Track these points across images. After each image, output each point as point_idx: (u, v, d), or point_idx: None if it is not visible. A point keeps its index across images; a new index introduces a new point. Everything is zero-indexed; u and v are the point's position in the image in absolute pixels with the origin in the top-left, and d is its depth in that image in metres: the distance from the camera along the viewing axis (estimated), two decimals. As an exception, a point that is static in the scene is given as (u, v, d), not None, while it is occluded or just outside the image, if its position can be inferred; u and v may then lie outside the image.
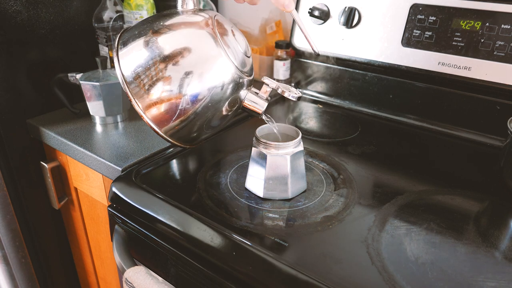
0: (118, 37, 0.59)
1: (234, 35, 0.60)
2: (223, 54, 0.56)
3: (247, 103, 0.61)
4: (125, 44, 0.58)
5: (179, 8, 0.60)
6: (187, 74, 0.55)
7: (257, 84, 0.61)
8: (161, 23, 0.57)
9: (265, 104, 0.61)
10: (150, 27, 0.57)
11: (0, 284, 0.95)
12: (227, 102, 0.59)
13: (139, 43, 0.56)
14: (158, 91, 0.55)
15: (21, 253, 0.92)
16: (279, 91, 0.59)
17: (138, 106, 0.57)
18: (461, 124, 0.81)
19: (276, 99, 1.00)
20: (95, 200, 0.84)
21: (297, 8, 0.97)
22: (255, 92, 0.62)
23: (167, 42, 0.56)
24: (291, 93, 0.59)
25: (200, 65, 0.56)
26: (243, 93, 0.60)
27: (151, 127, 0.58)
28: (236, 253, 0.50)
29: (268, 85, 0.60)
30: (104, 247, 0.90)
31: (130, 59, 0.56)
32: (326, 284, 0.44)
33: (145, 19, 0.60)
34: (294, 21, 0.99)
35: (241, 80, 0.59)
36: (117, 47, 0.58)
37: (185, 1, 0.60)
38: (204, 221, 0.55)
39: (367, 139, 0.81)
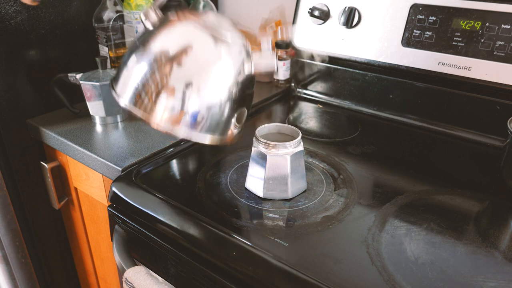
0: (110, 83, 0.59)
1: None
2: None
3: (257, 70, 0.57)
4: (116, 80, 0.57)
5: (146, 23, 0.56)
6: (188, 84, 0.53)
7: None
8: (139, 42, 0.55)
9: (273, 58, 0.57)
10: (132, 50, 0.55)
11: (0, 284, 0.95)
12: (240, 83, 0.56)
13: (128, 68, 0.55)
14: (162, 102, 0.53)
15: (21, 253, 0.92)
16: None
17: (154, 122, 0.54)
18: (461, 124, 0.81)
19: (277, 99, 1.00)
20: (95, 200, 0.84)
21: (297, 8, 0.97)
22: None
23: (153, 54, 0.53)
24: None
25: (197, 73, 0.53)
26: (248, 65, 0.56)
27: (172, 135, 0.56)
28: (236, 253, 0.50)
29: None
30: (104, 247, 0.90)
31: (126, 86, 0.55)
32: (326, 284, 0.44)
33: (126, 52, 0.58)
34: (294, 21, 0.99)
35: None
36: (113, 87, 0.57)
37: (148, 15, 0.56)
38: (204, 221, 0.55)
39: (367, 139, 0.81)
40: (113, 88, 0.58)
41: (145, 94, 0.54)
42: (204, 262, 0.52)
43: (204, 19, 0.56)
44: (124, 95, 0.56)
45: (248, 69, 0.56)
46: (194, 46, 0.53)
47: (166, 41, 0.54)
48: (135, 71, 0.55)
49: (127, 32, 0.92)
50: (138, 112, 0.55)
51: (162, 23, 0.56)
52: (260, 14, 1.14)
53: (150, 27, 0.56)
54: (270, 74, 0.59)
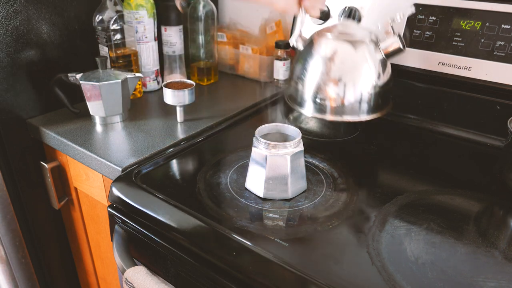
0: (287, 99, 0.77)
1: None
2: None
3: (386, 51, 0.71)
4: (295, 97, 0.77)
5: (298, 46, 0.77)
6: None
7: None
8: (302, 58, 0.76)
9: (397, 39, 0.69)
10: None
11: (0, 284, 0.95)
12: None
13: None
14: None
15: (21, 253, 0.92)
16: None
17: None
18: (461, 124, 0.81)
19: (277, 99, 1.00)
20: (95, 200, 0.84)
21: (297, 8, 0.97)
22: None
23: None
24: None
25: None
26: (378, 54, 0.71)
27: None
28: (236, 253, 0.50)
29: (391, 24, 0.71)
30: (104, 247, 0.90)
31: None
32: (326, 284, 0.44)
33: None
34: (294, 21, 0.99)
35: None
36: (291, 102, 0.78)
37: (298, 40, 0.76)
38: (204, 221, 0.55)
39: (367, 139, 0.81)
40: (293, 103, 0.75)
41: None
42: (204, 262, 0.52)
43: (336, 30, 0.74)
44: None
45: (379, 54, 0.71)
46: (339, 51, 0.72)
47: (321, 54, 0.73)
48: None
49: (127, 32, 0.92)
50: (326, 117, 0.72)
51: (310, 44, 0.75)
52: (260, 14, 1.14)
53: (301, 48, 0.76)
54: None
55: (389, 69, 0.75)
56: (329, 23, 0.92)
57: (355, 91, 0.70)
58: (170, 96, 0.81)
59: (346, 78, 0.70)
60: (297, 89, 0.75)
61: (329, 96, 0.71)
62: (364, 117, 0.73)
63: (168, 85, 0.82)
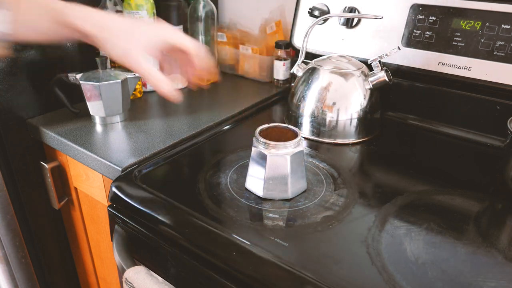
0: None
1: None
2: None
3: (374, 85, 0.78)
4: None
5: (297, 73, 0.85)
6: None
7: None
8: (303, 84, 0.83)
9: (384, 73, 0.76)
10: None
11: (0, 284, 0.95)
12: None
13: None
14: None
15: (21, 253, 0.92)
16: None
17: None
18: (461, 124, 0.81)
19: (277, 99, 1.00)
20: (95, 200, 0.84)
21: (297, 8, 0.97)
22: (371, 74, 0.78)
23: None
24: None
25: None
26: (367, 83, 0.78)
27: None
28: (236, 253, 0.50)
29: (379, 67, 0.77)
30: (104, 247, 0.90)
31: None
32: (326, 284, 0.44)
33: None
34: (294, 21, 0.99)
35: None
36: None
37: (298, 69, 0.85)
38: (204, 221, 0.55)
39: (367, 139, 0.81)
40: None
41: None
42: (204, 262, 0.52)
43: (331, 63, 0.81)
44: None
45: (367, 84, 0.78)
46: (333, 82, 0.79)
47: (318, 82, 0.80)
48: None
49: (127, 32, 0.92)
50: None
51: (307, 71, 0.83)
52: (260, 14, 1.14)
53: (300, 74, 0.84)
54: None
55: (377, 99, 0.82)
56: (329, 24, 0.92)
57: (346, 116, 0.78)
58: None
59: (338, 105, 0.78)
60: (296, 112, 0.83)
61: (323, 120, 0.79)
62: (353, 140, 0.80)
63: (262, 133, 0.61)
